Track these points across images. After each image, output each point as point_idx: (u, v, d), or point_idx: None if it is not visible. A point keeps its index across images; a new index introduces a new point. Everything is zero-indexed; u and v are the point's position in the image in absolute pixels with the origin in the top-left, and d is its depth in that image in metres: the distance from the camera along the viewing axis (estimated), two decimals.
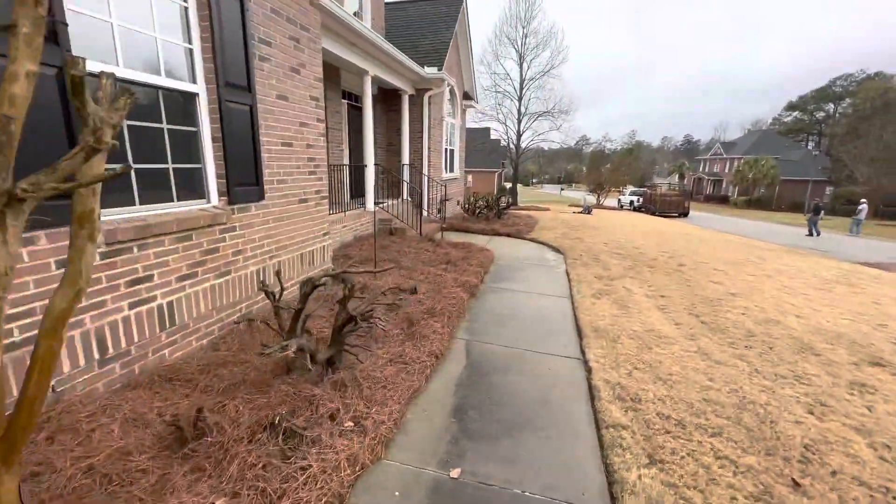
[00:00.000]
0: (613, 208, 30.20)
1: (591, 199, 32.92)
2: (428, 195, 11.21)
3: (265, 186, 3.70)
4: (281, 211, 3.97)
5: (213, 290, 3.18)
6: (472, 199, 12.56)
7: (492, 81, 22.75)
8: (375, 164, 8.91)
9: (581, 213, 21.10)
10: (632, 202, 32.09)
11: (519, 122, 22.99)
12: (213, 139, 3.16)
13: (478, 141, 24.80)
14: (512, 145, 23.52)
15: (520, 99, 22.64)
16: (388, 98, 10.93)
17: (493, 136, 27.06)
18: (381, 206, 9.20)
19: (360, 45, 7.41)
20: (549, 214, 18.53)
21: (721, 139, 74.58)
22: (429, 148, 11.02)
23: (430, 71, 10.20)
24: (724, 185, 53.51)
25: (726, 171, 53.21)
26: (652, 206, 27.94)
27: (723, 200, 50.22)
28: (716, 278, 7.03)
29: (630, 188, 36.52)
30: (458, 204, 13.57)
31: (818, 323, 4.97)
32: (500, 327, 4.41)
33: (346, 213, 7.94)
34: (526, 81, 22.30)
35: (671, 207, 27.35)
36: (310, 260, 4.57)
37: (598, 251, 8.87)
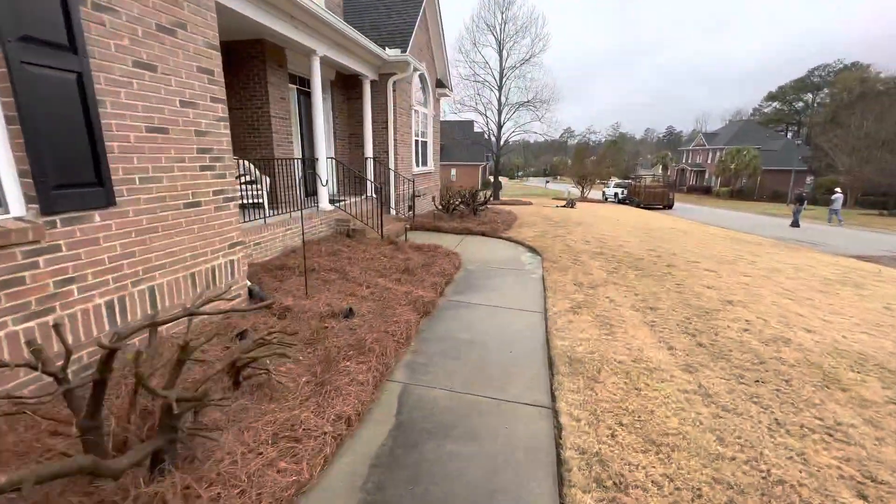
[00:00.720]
0: (598, 201, 29.62)
1: (576, 191, 32.31)
2: (395, 192, 10.23)
3: (119, 187, 2.71)
4: (152, 219, 2.98)
5: (11, 338, 2.19)
6: (446, 194, 11.62)
7: (470, 70, 21.80)
8: (331, 158, 7.88)
9: (564, 207, 20.36)
10: (616, 195, 31.54)
11: (499, 112, 22.08)
12: (7, 120, 2.16)
13: (460, 133, 23.86)
14: (493, 137, 22.60)
15: (500, 88, 21.73)
16: (349, 84, 9.88)
17: (476, 129, 25.98)
18: (339, 204, 8.20)
19: (301, 17, 6.37)
20: (531, 209, 17.72)
21: (703, 130, 74.97)
22: (395, 140, 10.03)
23: (392, 53, 9.19)
24: (706, 176, 53.55)
25: (709, 161, 53.23)
26: (636, 198, 27.41)
27: (706, 191, 50.23)
28: (709, 281, 6.25)
29: (614, 180, 36.02)
30: (433, 200, 12.62)
31: (834, 340, 4.20)
32: (453, 361, 3.51)
33: (292, 214, 6.93)
34: (506, 70, 21.39)
35: (655, 199, 26.86)
36: (208, 279, 3.58)
37: (580, 251, 8.04)
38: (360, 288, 4.82)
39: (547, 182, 70.41)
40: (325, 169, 7.64)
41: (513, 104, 22.09)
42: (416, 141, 11.97)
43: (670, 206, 27.54)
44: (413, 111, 11.17)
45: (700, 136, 58.89)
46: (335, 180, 9.89)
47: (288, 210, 7.29)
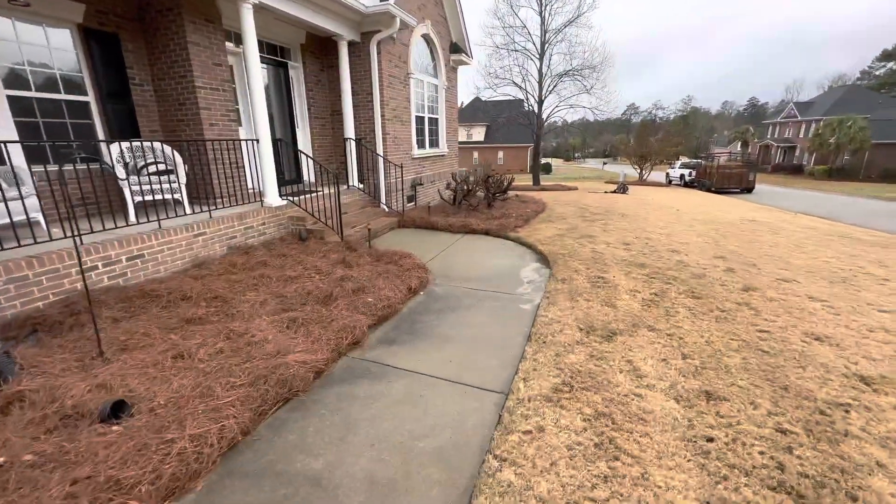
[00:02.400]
0: (659, 184, 25.77)
1: (633, 173, 28.53)
2: (385, 180, 8.38)
3: None
4: None
5: None
6: (452, 181, 9.57)
7: (508, 38, 19.09)
8: (279, 140, 6.18)
9: (614, 192, 17.39)
10: (682, 177, 27.32)
11: (540, 85, 19.25)
12: None
13: (509, 112, 21.06)
14: (532, 112, 19.82)
15: (541, 56, 18.85)
16: (328, 50, 8.09)
17: (527, 108, 22.92)
18: (303, 198, 6.51)
19: None
20: (572, 196, 15.10)
21: (794, 99, 65.02)
22: (382, 116, 8.12)
23: (370, 3, 7.22)
24: (797, 153, 46.02)
25: (800, 135, 45.59)
26: (707, 180, 23.33)
27: (796, 170, 43.09)
28: (819, 324, 3.79)
29: (682, 160, 31.46)
30: (447, 188, 10.63)
31: None
32: None
33: (212, 213, 5.34)
34: (548, 34, 18.45)
35: (731, 181, 22.62)
36: None
37: (611, 260, 5.74)
38: (215, 339, 3.06)
39: (604, 163, 65.07)
40: (269, 154, 5.94)
41: (556, 74, 19.16)
42: (420, 118, 9.98)
43: (750, 190, 23.18)
44: (412, 81, 9.17)
45: (790, 107, 50.74)
46: (309, 168, 8.23)
47: (228, 205, 5.78)
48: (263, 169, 5.98)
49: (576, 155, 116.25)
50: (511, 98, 20.48)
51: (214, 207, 5.85)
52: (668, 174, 29.89)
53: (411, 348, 3.37)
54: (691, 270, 5.39)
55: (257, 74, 5.65)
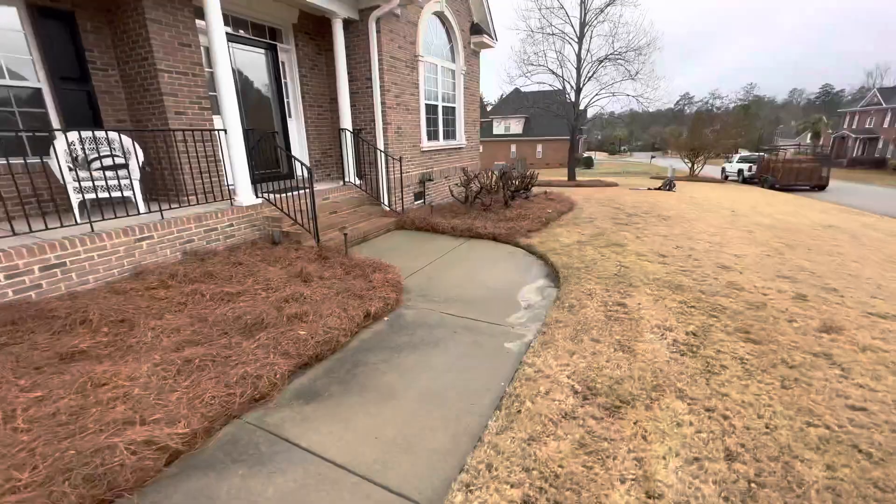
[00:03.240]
0: (714, 180, 23.29)
1: (684, 167, 26.09)
2: (387, 175, 7.52)
3: None
4: None
5: None
6: (463, 178, 8.54)
7: (544, 20, 17.56)
8: (250, 130, 5.44)
9: (659, 189, 15.64)
10: (740, 172, 24.57)
11: (578, 71, 17.63)
12: None
13: (544, 103, 19.57)
14: (570, 101, 18.23)
15: (580, 40, 17.20)
16: (325, 31, 7.29)
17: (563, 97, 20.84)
18: (288, 195, 5.79)
19: None
20: (608, 193, 13.61)
21: (878, 84, 57.96)
22: (383, 103, 7.24)
23: None
24: (879, 145, 40.75)
25: (884, 125, 40.32)
26: (770, 175, 20.70)
27: (877, 165, 38.11)
28: None
29: (741, 153, 28.46)
30: (457, 185, 9.65)
31: None
32: None
33: (165, 213, 4.69)
34: (589, 14, 16.75)
35: (800, 178, 19.89)
36: None
37: (638, 278, 4.56)
38: (65, 390, 2.30)
39: (652, 157, 61.20)
40: (240, 145, 5.22)
41: (597, 59, 17.41)
42: (433, 106, 9.01)
43: (823, 187, 20.36)
44: (422, 64, 8.21)
45: (874, 93, 45.01)
46: (305, 159, 7.52)
47: (200, 203, 5.17)
48: (233, 163, 5.28)
49: (622, 148, 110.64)
50: (550, 88, 18.90)
51: (178, 206, 5.22)
52: (724, 169, 27.11)
53: (334, 408, 2.48)
54: (746, 297, 4.12)
55: (222, 53, 4.92)
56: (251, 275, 4.20)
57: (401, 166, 7.57)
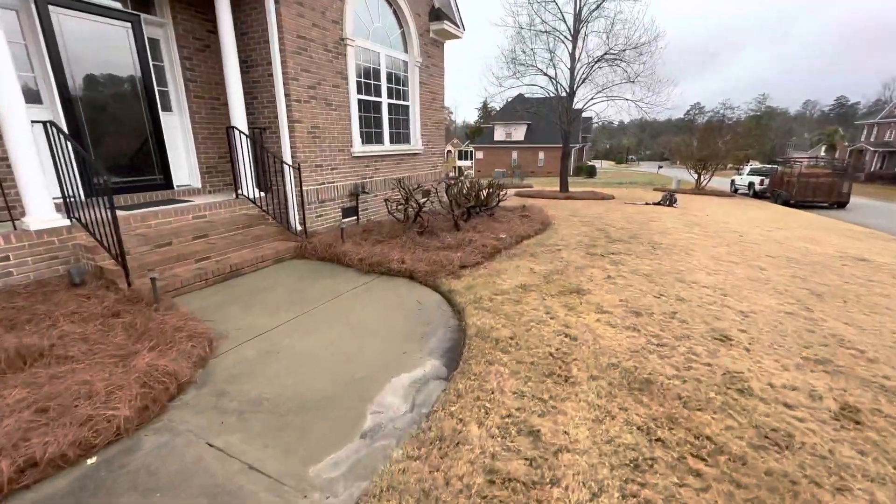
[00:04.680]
0: (722, 193, 21.43)
1: (690, 178, 24.25)
2: (295, 187, 5.91)
3: None
4: None
5: None
6: (401, 188, 6.89)
7: (534, 16, 15.93)
8: (44, 123, 3.85)
9: (657, 204, 13.88)
10: (751, 185, 22.70)
11: (572, 72, 15.99)
12: None
13: (547, 110, 17.78)
14: (562, 105, 16.56)
15: (574, 38, 15.57)
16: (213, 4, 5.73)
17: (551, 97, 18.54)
18: (140, 210, 4.19)
19: None
20: (599, 208, 11.89)
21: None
22: (288, 95, 5.65)
23: None
24: None
25: None
26: (784, 190, 18.84)
27: None
28: None
29: (751, 165, 26.54)
30: (387, 200, 8.04)
31: None
32: None
33: None
34: (584, 10, 15.10)
35: (818, 193, 17.98)
36: None
37: (587, 361, 2.87)
38: None
39: (660, 167, 59.28)
40: (27, 147, 3.64)
41: (592, 60, 15.74)
42: (373, 103, 7.42)
43: (843, 205, 18.45)
44: (352, 49, 6.63)
45: (893, 106, 42.88)
46: (192, 164, 5.95)
47: None
48: (16, 169, 3.69)
49: (630, 157, 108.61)
50: (553, 94, 17.14)
51: None
52: (733, 181, 25.27)
53: None
54: (756, 413, 2.42)
55: None
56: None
57: (299, 175, 5.96)
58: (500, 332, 3.33)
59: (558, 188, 18.28)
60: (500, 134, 48.85)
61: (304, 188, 6.03)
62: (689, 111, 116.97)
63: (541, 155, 46.49)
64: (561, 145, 17.58)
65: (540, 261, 5.51)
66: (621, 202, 14.38)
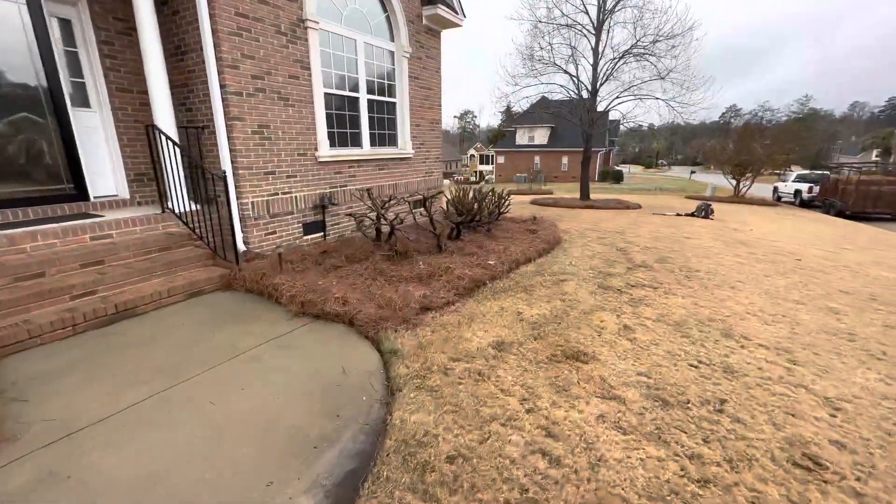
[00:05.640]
0: (763, 202, 19.32)
1: (726, 185, 22.17)
2: (240, 199, 4.83)
3: None
4: None
5: None
6: (370, 199, 5.72)
7: (553, 8, 14.48)
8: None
9: (693, 215, 12.24)
10: (797, 192, 20.45)
11: (595, 69, 14.50)
12: None
13: (566, 110, 16.28)
14: (583, 104, 15.05)
15: (597, 31, 14.09)
16: None
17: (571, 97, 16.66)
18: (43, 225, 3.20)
19: None
20: (622, 220, 10.41)
21: None
22: (223, 86, 4.58)
23: None
24: None
25: None
26: (838, 199, 16.68)
27: None
28: None
29: (795, 171, 24.14)
30: (352, 216, 6.87)
31: None
32: None
33: None
34: (609, 0, 13.59)
35: (880, 203, 15.73)
36: None
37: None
38: None
39: (692, 172, 56.25)
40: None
41: (618, 55, 14.17)
42: (348, 99, 6.30)
43: None
44: (315, 33, 5.52)
45: None
46: (119, 171, 4.96)
47: None
48: None
49: (659, 162, 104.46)
50: (574, 94, 15.62)
51: None
52: (776, 189, 23.00)
53: None
54: None
55: None
56: None
57: (227, 184, 4.85)
58: (440, 447, 2.08)
59: (577, 195, 16.79)
60: (522, 138, 47.35)
61: (250, 199, 4.94)
62: (724, 114, 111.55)
63: (564, 160, 44.70)
64: (591, 149, 16.03)
65: (534, 299, 4.20)
66: (648, 212, 12.79)
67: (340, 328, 3.43)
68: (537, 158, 46.11)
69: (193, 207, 4.80)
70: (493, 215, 7.46)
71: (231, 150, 4.74)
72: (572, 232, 8.47)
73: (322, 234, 6.01)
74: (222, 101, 4.61)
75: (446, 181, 48.88)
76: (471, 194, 7.22)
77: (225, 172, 4.52)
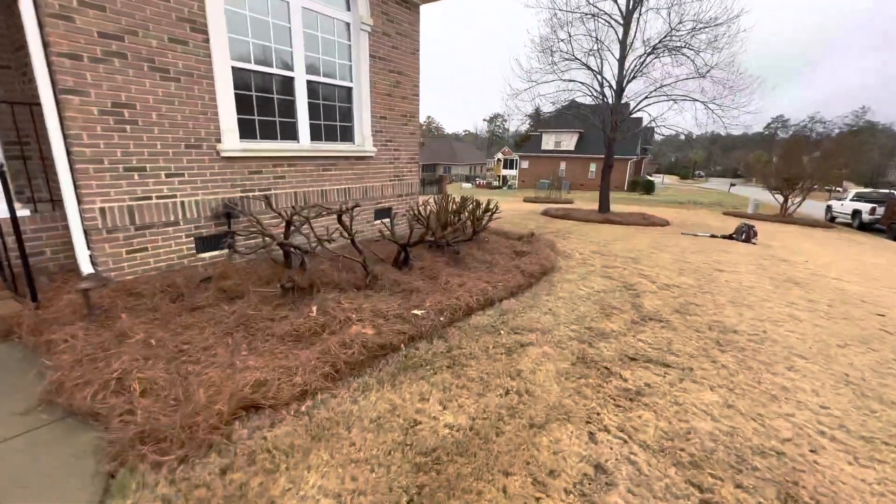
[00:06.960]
0: (814, 223, 16.76)
1: (770, 201, 19.64)
2: (82, 204, 3.49)
3: None
4: None
5: None
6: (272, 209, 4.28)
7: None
8: None
9: (732, 238, 10.24)
10: (856, 213, 17.78)
11: (620, 64, 12.63)
12: None
13: (581, 111, 14.52)
14: (608, 103, 13.15)
15: (625, 20, 12.20)
16: None
17: (589, 94, 14.69)
18: None
19: None
20: (644, 240, 8.60)
21: None
22: (46, 44, 3.24)
23: None
24: None
25: None
26: None
27: None
28: None
29: (852, 189, 21.28)
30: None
31: None
32: None
33: None
34: None
35: None
36: None
37: None
38: None
39: (732, 185, 52.63)
40: None
41: (650, 48, 12.24)
42: (278, 77, 4.89)
43: None
44: None
45: None
46: None
47: None
48: None
49: (697, 173, 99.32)
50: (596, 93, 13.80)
51: None
52: (829, 207, 20.32)
53: None
54: None
55: None
56: None
57: (56, 182, 3.47)
58: None
59: (596, 207, 14.90)
60: (548, 143, 45.29)
61: (99, 204, 3.59)
62: (769, 124, 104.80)
63: (592, 167, 42.34)
64: (616, 156, 14.15)
65: (460, 385, 2.61)
66: (676, 233, 10.84)
67: (86, 441, 1.97)
68: (563, 164, 43.95)
69: (22, 212, 3.48)
70: (469, 231, 5.90)
71: (66, 137, 3.39)
72: (574, 256, 6.79)
73: (229, 251, 4.60)
74: (48, 67, 3.26)
75: (466, 185, 47.02)
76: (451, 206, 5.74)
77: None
